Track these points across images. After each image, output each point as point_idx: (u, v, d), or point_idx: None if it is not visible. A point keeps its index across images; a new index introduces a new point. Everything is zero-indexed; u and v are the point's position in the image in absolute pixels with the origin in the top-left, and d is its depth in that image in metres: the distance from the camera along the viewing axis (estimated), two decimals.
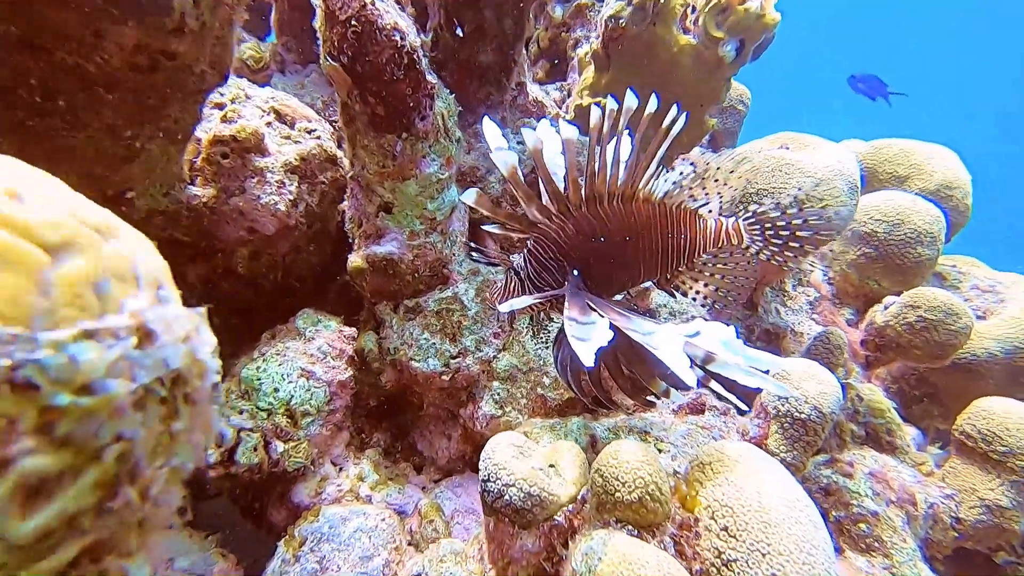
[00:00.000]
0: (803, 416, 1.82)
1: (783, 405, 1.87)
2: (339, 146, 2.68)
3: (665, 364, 1.31)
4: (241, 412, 2.18)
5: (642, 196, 1.69)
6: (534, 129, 1.48)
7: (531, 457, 1.65)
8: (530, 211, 1.63)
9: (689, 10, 2.66)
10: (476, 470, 2.68)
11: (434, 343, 2.47)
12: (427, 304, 2.51)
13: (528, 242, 1.69)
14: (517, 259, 1.74)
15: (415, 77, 1.90)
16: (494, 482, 1.56)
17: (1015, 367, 2.39)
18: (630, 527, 1.36)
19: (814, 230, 1.73)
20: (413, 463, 2.72)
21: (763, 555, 1.15)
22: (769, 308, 2.42)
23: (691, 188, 1.73)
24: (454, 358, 2.48)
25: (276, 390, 2.30)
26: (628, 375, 1.73)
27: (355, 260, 2.41)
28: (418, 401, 2.70)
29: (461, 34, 2.37)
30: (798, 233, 1.75)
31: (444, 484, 2.56)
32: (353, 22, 1.76)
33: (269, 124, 2.55)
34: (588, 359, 1.20)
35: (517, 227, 1.65)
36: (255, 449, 2.09)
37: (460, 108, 2.43)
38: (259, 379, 2.31)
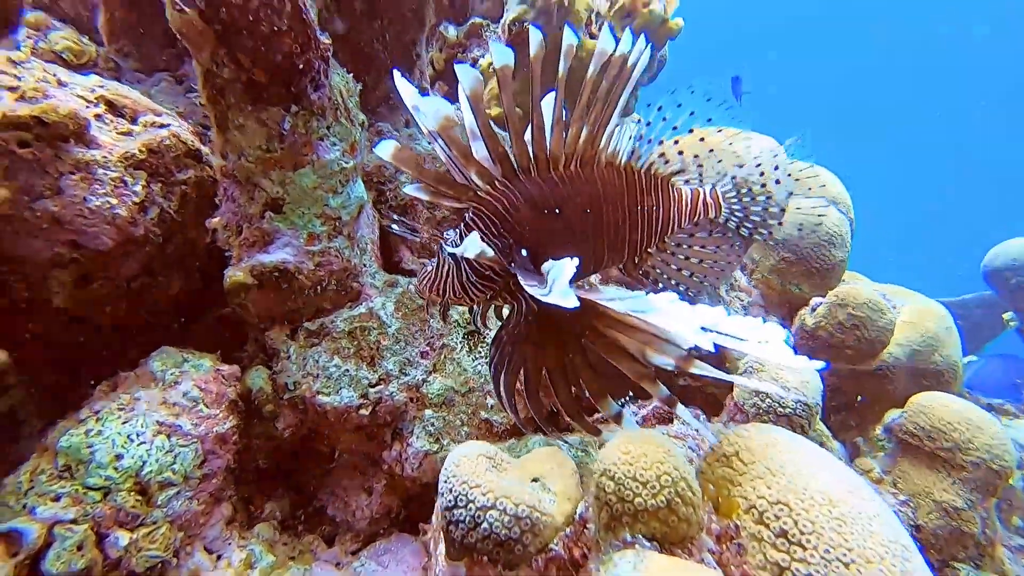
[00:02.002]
0: (788, 411, 1.59)
1: (763, 401, 1.64)
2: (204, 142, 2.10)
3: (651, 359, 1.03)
4: (57, 498, 1.44)
5: (604, 158, 1.38)
6: (473, 66, 1.13)
7: (506, 470, 1.23)
8: (468, 174, 1.26)
9: (593, 16, 2.61)
10: (408, 529, 2.14)
11: (347, 370, 1.93)
12: (335, 325, 1.99)
13: (465, 214, 1.31)
14: (451, 235, 1.33)
15: (303, 30, 1.48)
16: (464, 507, 1.10)
17: (917, 369, 2.47)
18: (655, 542, 1.01)
19: (782, 204, 1.53)
20: (322, 534, 2.09)
21: (846, 565, 0.85)
22: None
23: (661, 148, 1.44)
24: (374, 386, 1.96)
25: (118, 457, 1.59)
26: (573, 393, 1.35)
27: (235, 275, 1.82)
28: (327, 449, 2.10)
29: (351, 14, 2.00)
30: (773, 204, 1.53)
31: (366, 554, 1.98)
32: None
33: (98, 116, 1.89)
34: (571, 299, 0.91)
35: (451, 194, 1.25)
36: (79, 548, 1.36)
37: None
38: (89, 447, 1.58)
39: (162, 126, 1.94)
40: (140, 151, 1.77)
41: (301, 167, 1.72)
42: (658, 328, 1.08)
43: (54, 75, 1.91)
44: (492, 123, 1.26)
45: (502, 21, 2.74)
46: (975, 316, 5.32)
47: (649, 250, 1.54)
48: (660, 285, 1.56)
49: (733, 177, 1.55)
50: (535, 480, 1.20)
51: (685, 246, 1.57)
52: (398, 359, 2.02)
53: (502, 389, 1.32)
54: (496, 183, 1.28)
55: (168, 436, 1.71)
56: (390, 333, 2.03)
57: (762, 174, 1.52)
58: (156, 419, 1.71)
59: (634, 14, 2.55)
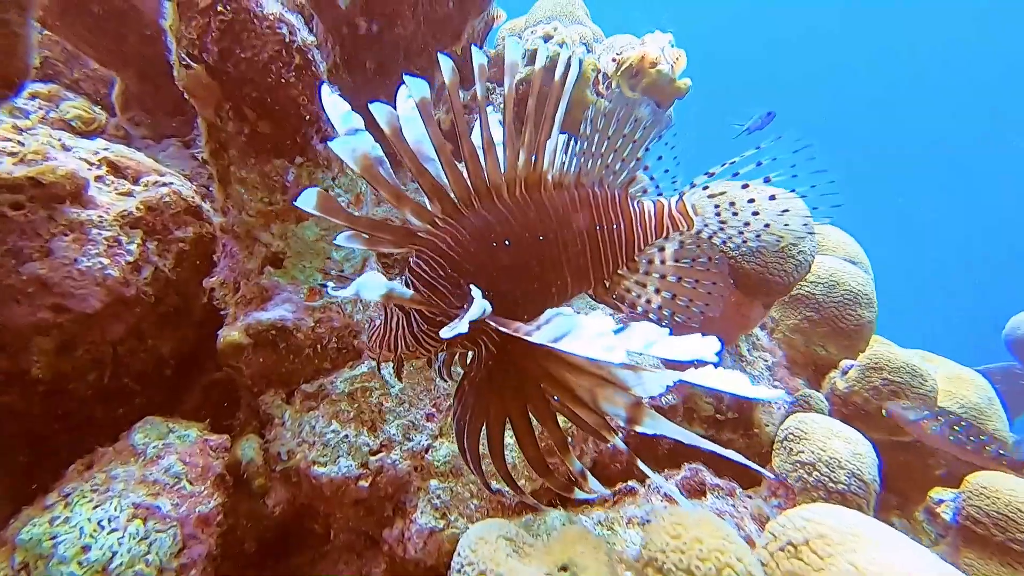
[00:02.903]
0: (841, 486, 1.39)
1: (810, 475, 1.46)
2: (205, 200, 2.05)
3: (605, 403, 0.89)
4: None
5: (551, 180, 1.28)
6: (387, 103, 1.05)
7: (529, 555, 1.04)
8: (404, 214, 1.14)
9: (600, 76, 2.66)
10: None
11: (346, 436, 1.76)
12: (335, 386, 1.84)
13: (410, 259, 1.19)
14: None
15: (310, 82, 1.46)
16: None
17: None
18: None
19: (779, 211, 1.37)
20: None
21: None
22: None
23: (606, 158, 1.33)
24: (375, 454, 1.78)
25: (85, 549, 1.39)
26: (542, 447, 1.18)
27: (230, 335, 1.70)
28: (321, 528, 1.88)
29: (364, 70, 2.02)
30: (760, 210, 1.39)
31: None
32: (220, 7, 1.30)
33: (99, 178, 1.85)
34: (619, 353, 0.76)
35: (389, 239, 1.13)
36: None
37: None
38: (52, 538, 1.38)
39: (163, 184, 1.90)
40: (138, 209, 1.71)
41: (304, 220, 1.65)
42: (592, 362, 0.94)
43: (59, 140, 1.89)
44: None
45: (508, 83, 2.79)
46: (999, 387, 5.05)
47: (620, 272, 1.40)
48: (639, 309, 1.42)
49: (705, 187, 1.43)
50: (563, 569, 1.02)
51: (658, 262, 1.44)
52: (401, 423, 1.85)
53: (466, 450, 1.17)
54: (437, 221, 1.17)
55: (144, 520, 1.52)
56: (393, 394, 1.88)
57: (751, 200, 1.41)
58: (132, 501, 1.53)
59: (641, 74, 2.60)
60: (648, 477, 0.93)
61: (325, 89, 1.11)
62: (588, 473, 1.09)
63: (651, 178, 1.45)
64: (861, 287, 2.42)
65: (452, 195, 1.16)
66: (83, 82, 3.52)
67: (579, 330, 0.85)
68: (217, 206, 1.75)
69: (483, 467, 1.20)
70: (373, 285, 0.88)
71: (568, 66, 1.22)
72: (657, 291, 1.44)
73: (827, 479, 1.37)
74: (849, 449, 1.41)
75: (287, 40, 1.38)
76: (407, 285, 1.18)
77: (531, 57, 3.14)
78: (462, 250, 1.16)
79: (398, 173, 2.31)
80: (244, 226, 1.65)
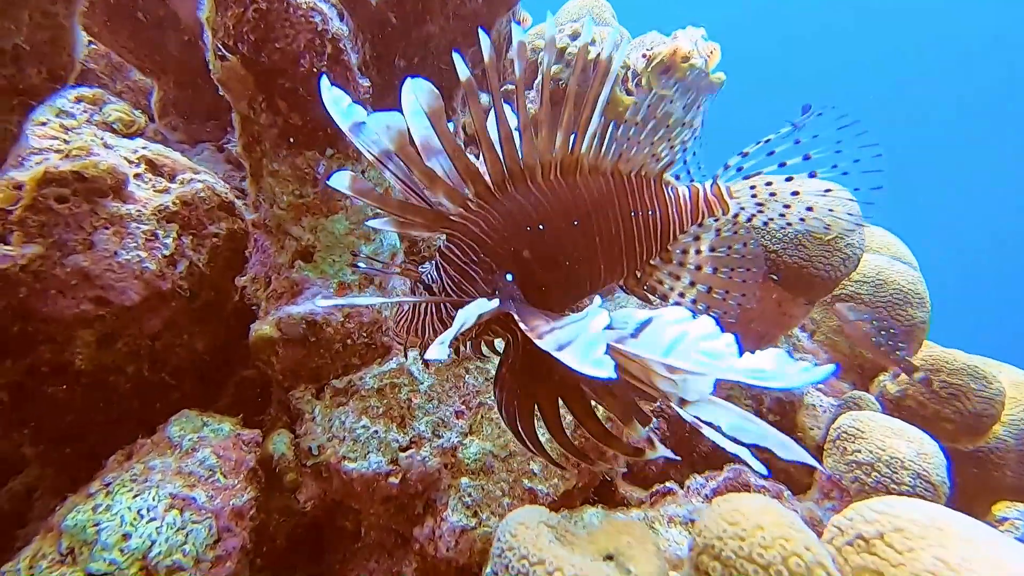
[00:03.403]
0: (904, 489, 1.27)
1: (868, 476, 1.35)
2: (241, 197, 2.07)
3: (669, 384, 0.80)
4: None
5: (587, 163, 1.23)
6: (426, 78, 1.01)
7: (572, 544, 0.99)
8: (436, 198, 1.10)
9: (630, 73, 2.60)
10: None
11: (376, 432, 1.74)
12: (364, 382, 1.82)
13: (439, 242, 1.16)
14: (426, 269, 1.18)
15: (342, 72, 1.45)
16: None
17: None
18: None
19: (820, 191, 1.28)
20: None
21: None
22: None
23: (651, 142, 1.27)
24: (404, 450, 1.75)
25: (126, 537, 1.40)
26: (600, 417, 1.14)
27: (261, 328, 1.70)
28: (353, 525, 1.86)
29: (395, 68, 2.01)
30: (800, 190, 1.29)
31: None
32: None
33: (138, 176, 1.89)
34: (607, 369, 0.68)
35: (420, 222, 1.11)
36: None
37: None
38: (96, 525, 1.40)
39: (198, 180, 1.93)
40: (174, 203, 1.74)
41: (334, 213, 1.64)
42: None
43: (101, 139, 1.94)
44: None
45: (536, 82, 2.76)
46: None
47: (652, 262, 1.34)
48: (671, 302, 1.35)
49: (739, 168, 1.35)
50: (609, 558, 0.96)
51: (693, 252, 1.36)
52: (431, 419, 1.82)
53: (523, 435, 1.11)
54: (469, 203, 1.13)
55: (181, 511, 1.52)
56: (422, 390, 1.85)
57: (788, 179, 1.32)
58: (170, 491, 1.53)
59: (673, 69, 2.52)
60: (721, 447, 0.82)
61: (324, 82, 1.08)
62: (654, 438, 1.04)
63: (684, 162, 1.38)
64: (912, 286, 2.27)
65: (486, 177, 1.12)
66: (125, 93, 3.66)
67: (616, 333, 0.78)
68: (249, 201, 1.76)
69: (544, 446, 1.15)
70: (472, 312, 0.84)
71: (616, 46, 1.17)
72: (692, 283, 1.36)
73: (889, 480, 1.27)
74: (913, 448, 1.30)
75: (320, 29, 1.37)
76: (437, 270, 1.14)
77: (559, 54, 3.10)
78: (495, 234, 1.12)
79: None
80: (275, 219, 1.65)
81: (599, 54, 1.18)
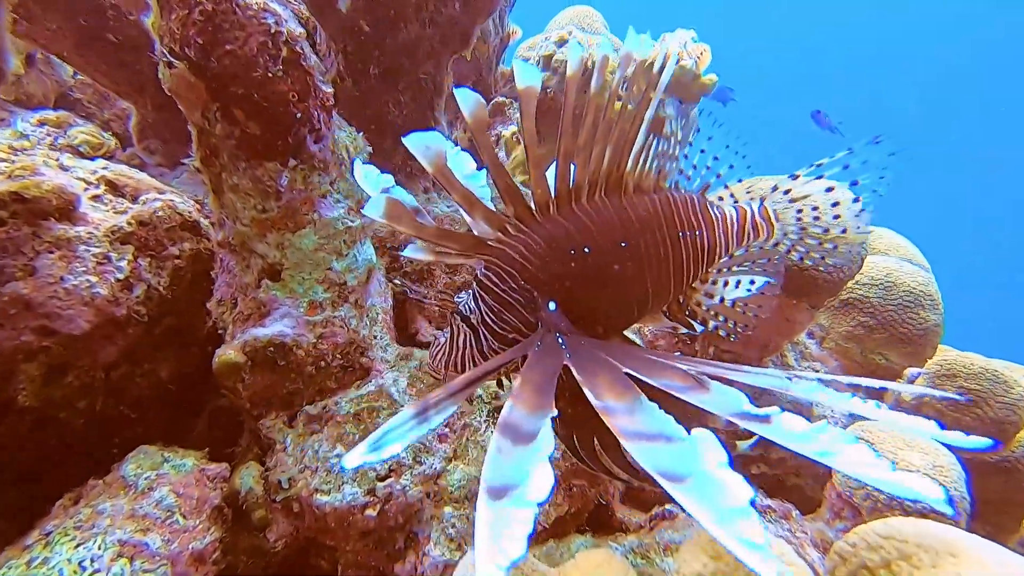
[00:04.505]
0: (920, 507, 1.14)
1: (881, 492, 1.23)
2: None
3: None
4: None
5: (632, 182, 1.15)
6: (474, 91, 0.93)
7: None
8: (474, 222, 1.04)
9: (619, 76, 2.50)
10: None
11: None
12: (339, 407, 1.66)
13: (477, 271, 1.07)
14: (464, 298, 1.10)
15: (301, 77, 1.32)
16: None
17: None
18: None
19: (856, 226, 1.22)
20: None
21: None
22: None
23: (691, 160, 1.23)
24: (383, 480, 1.59)
25: None
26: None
27: (225, 353, 1.55)
28: (328, 564, 1.68)
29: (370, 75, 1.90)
30: (837, 225, 1.24)
31: None
32: None
33: (96, 198, 1.75)
34: (488, 564, 0.50)
35: (456, 249, 1.03)
36: None
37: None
38: None
39: (157, 199, 1.78)
40: (129, 223, 1.59)
41: (301, 228, 1.50)
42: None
43: (56, 159, 1.80)
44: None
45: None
46: None
47: (693, 284, 1.24)
48: (711, 326, 1.26)
49: (787, 191, 1.27)
50: None
51: (726, 270, 1.29)
52: (411, 445, 1.66)
53: (616, 470, 1.02)
54: (509, 227, 1.05)
55: (131, 559, 1.35)
56: None
57: (835, 204, 1.25)
58: (118, 538, 1.36)
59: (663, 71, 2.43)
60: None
61: (357, 164, 1.13)
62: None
63: (717, 175, 1.30)
64: (923, 287, 2.14)
65: (528, 198, 1.03)
66: (113, 122, 3.55)
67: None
68: (213, 219, 1.62)
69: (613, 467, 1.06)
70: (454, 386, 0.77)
71: (665, 59, 1.09)
72: (722, 300, 1.28)
73: (904, 498, 1.12)
74: (928, 461, 1.17)
75: (272, 31, 1.25)
76: (475, 299, 1.06)
77: (545, 62, 3.01)
78: (536, 259, 1.03)
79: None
80: (239, 236, 1.51)
81: (649, 67, 1.10)
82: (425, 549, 1.55)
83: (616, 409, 0.70)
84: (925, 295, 2.13)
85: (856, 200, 1.25)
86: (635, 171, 1.15)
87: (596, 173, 1.08)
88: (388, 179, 1.07)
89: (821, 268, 1.41)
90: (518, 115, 3.25)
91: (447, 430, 1.71)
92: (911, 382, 1.94)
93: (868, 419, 0.64)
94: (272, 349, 1.55)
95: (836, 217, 1.25)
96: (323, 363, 1.66)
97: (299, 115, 1.36)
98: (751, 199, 1.31)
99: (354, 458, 0.64)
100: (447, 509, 1.60)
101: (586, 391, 0.74)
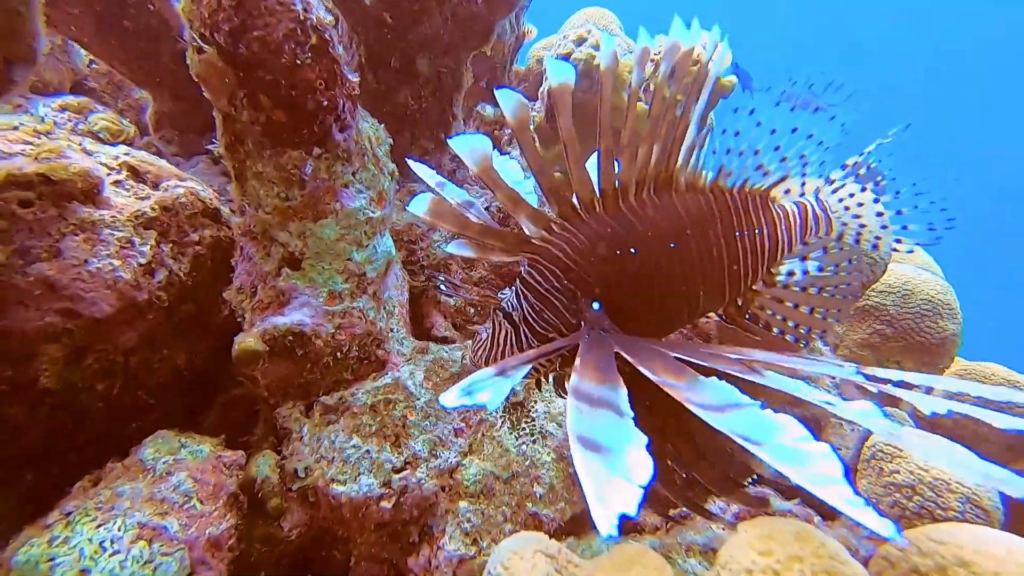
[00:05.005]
0: (952, 515, 1.12)
1: (909, 499, 1.18)
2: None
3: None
4: None
5: (684, 180, 1.12)
6: (515, 91, 0.93)
7: None
8: (520, 219, 1.03)
9: (635, 77, 2.50)
10: None
11: (368, 451, 1.58)
12: (356, 398, 1.66)
13: (521, 268, 1.07)
14: (507, 294, 1.09)
15: (328, 65, 1.33)
16: None
17: None
18: None
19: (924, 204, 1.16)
20: None
21: None
22: None
23: (755, 154, 1.15)
24: (398, 472, 1.59)
25: (83, 573, 1.23)
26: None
27: (245, 341, 1.56)
28: (342, 555, 1.68)
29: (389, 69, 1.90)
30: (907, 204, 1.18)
31: None
32: None
33: (118, 183, 1.76)
34: (605, 524, 0.56)
35: (500, 245, 1.03)
36: None
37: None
38: (50, 560, 1.23)
39: (180, 186, 1.79)
40: (152, 209, 1.60)
41: (323, 217, 1.51)
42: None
43: (79, 143, 1.81)
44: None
45: (542, 87, 2.66)
46: None
47: (755, 287, 1.21)
48: (775, 330, 1.21)
49: (829, 180, 1.24)
50: None
51: (800, 274, 1.23)
52: (427, 438, 1.66)
53: (669, 492, 1.01)
54: (553, 226, 1.04)
55: (149, 542, 1.35)
56: (419, 407, 1.69)
57: (877, 200, 1.22)
58: (138, 520, 1.37)
59: (681, 72, 2.42)
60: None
61: (412, 163, 1.24)
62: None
63: (757, 167, 1.26)
64: (941, 296, 2.11)
65: (573, 197, 1.02)
66: (126, 112, 3.57)
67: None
68: (235, 205, 1.63)
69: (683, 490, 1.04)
70: (504, 377, 0.75)
71: (716, 48, 1.08)
72: (796, 306, 1.22)
73: (933, 504, 1.11)
74: (967, 472, 1.13)
75: (302, 18, 1.25)
76: (518, 296, 1.05)
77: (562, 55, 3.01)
78: (580, 258, 1.01)
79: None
80: (261, 224, 1.52)
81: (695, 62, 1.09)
82: (440, 543, 1.55)
83: (677, 386, 0.69)
84: (943, 304, 2.10)
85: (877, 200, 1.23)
86: (686, 169, 1.11)
87: (644, 171, 1.06)
88: (437, 176, 1.10)
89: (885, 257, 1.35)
90: (540, 92, 3.21)
91: (463, 424, 1.71)
92: (929, 391, 1.92)
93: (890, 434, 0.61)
94: (291, 338, 1.55)
95: (876, 201, 1.22)
96: (340, 354, 1.67)
97: (325, 103, 1.37)
98: (804, 193, 1.25)
99: (450, 398, 0.67)
100: (462, 504, 1.60)
101: (643, 370, 0.73)
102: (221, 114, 1.41)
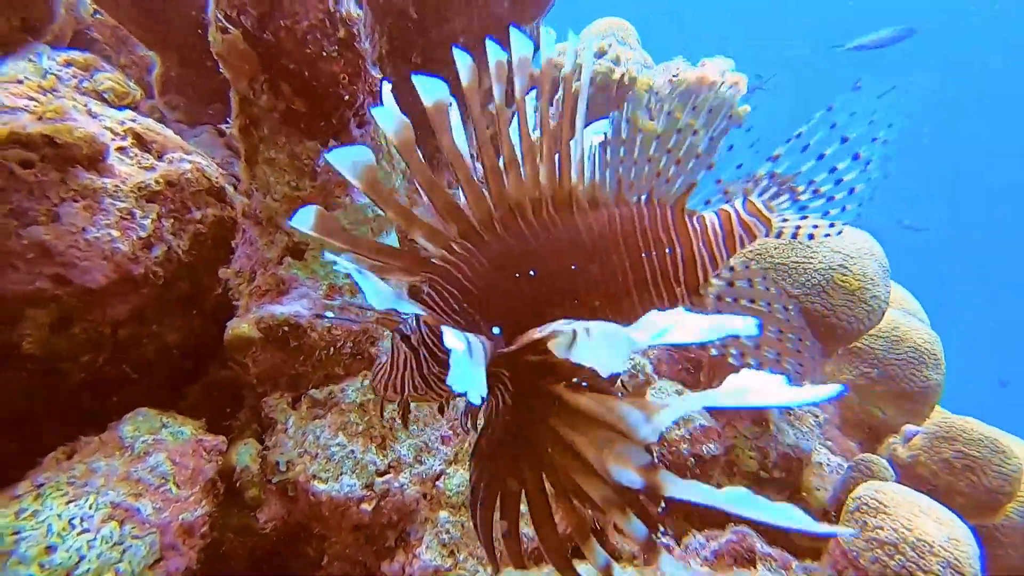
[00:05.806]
0: (935, 572, 1.12)
1: (891, 558, 1.19)
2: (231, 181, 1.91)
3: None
4: None
5: (585, 196, 1.05)
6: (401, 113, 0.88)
7: None
8: (416, 239, 0.96)
9: (653, 96, 2.50)
10: None
11: (352, 451, 1.57)
12: (345, 395, 1.65)
13: (422, 289, 1.00)
14: (407, 318, 1.02)
15: (354, 60, 1.32)
16: None
17: None
18: None
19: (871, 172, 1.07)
20: None
21: None
22: (780, 425, 1.89)
23: (657, 162, 1.09)
24: (382, 475, 1.59)
25: (49, 550, 1.21)
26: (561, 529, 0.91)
27: (239, 326, 1.54)
28: (315, 553, 1.67)
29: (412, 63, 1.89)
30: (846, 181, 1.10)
31: None
32: None
33: (122, 149, 1.73)
34: (475, 391, 0.64)
35: (398, 266, 0.96)
36: None
37: None
38: (16, 533, 1.21)
39: (187, 160, 1.76)
40: (157, 182, 1.57)
41: (331, 210, 1.49)
42: (608, 409, 0.74)
43: (85, 105, 1.77)
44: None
45: (556, 97, 2.65)
46: None
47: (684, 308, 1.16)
48: (713, 352, 1.15)
49: (771, 174, 1.16)
50: None
51: (729, 299, 1.15)
52: (414, 443, 1.66)
53: (479, 522, 0.93)
54: (453, 245, 0.97)
55: (121, 523, 1.33)
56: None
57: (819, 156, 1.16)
58: (111, 499, 1.35)
59: (698, 96, 2.43)
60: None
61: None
62: (614, 567, 0.86)
63: (717, 181, 1.20)
64: (928, 345, 2.16)
65: (469, 215, 0.96)
66: (129, 68, 3.49)
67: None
68: (241, 188, 1.61)
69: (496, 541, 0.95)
70: (382, 297, 0.70)
71: (583, 60, 1.02)
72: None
73: (914, 566, 1.12)
74: (943, 532, 1.16)
75: (331, 9, 1.24)
76: (416, 320, 0.98)
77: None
78: (480, 281, 0.96)
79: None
80: (267, 211, 1.50)
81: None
82: (416, 551, 1.55)
83: (549, 330, 0.71)
84: (930, 354, 2.15)
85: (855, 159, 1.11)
86: (581, 183, 1.04)
87: (535, 189, 0.99)
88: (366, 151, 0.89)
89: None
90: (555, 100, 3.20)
91: (450, 432, 1.71)
92: (908, 440, 1.96)
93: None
94: (287, 328, 1.54)
95: (839, 182, 1.13)
96: (334, 348, 1.65)
97: (347, 97, 1.35)
98: (730, 198, 1.16)
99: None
100: (443, 513, 1.60)
101: (522, 340, 0.74)
102: (239, 96, 1.39)
